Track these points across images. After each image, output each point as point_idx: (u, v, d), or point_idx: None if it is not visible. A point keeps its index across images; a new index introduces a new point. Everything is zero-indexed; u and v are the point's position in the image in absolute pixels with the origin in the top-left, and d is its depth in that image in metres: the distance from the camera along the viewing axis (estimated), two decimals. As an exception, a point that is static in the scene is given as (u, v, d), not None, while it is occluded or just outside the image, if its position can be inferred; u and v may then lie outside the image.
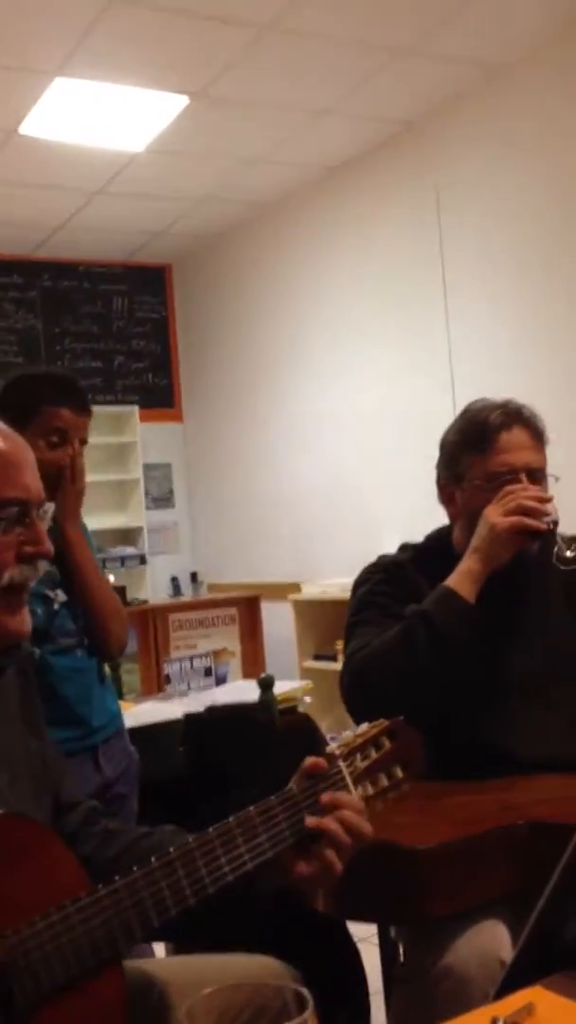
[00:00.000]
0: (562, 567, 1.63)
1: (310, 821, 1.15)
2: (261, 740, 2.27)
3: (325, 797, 1.17)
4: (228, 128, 4.66)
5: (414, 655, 1.60)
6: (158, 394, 6.78)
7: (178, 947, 1.98)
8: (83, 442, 2.09)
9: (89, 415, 2.11)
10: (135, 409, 6.50)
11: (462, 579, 1.66)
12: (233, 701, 2.48)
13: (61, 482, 2.04)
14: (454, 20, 3.80)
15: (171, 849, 1.10)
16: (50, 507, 1.19)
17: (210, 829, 1.13)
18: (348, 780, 1.20)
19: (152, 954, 2.04)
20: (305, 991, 0.66)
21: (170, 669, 4.02)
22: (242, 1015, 0.65)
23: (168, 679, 3.95)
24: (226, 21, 3.67)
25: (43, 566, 1.17)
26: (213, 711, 2.32)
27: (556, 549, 1.63)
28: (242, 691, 2.79)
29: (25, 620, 1.16)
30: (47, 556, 1.16)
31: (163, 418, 6.73)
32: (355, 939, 2.01)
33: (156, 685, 4.75)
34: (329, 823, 1.16)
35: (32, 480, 1.15)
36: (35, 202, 5.42)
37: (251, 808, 1.15)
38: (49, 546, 1.15)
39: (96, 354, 6.59)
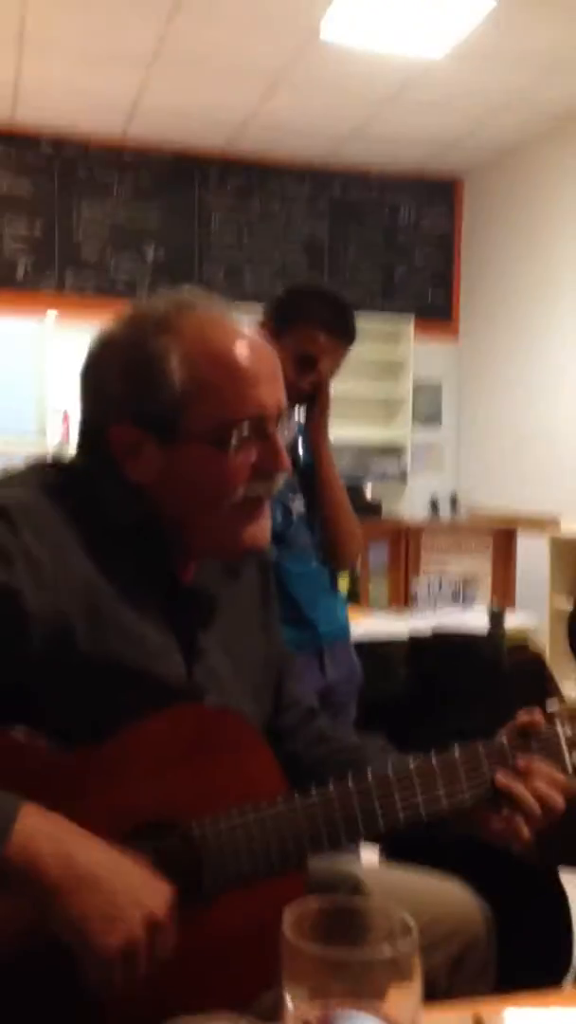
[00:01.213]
0: None
1: (500, 780, 1.13)
2: (485, 672, 2.22)
3: (521, 762, 1.13)
4: (533, 32, 4.36)
5: None
6: (436, 310, 6.65)
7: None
8: (335, 368, 2.07)
9: (348, 344, 2.07)
10: (411, 324, 6.41)
11: None
12: (463, 628, 2.44)
13: (315, 403, 2.06)
14: None
15: (370, 775, 1.11)
16: (291, 419, 1.17)
17: (411, 764, 1.13)
18: (563, 745, 1.14)
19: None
20: (410, 921, 0.64)
21: (418, 588, 4.04)
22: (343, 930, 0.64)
23: (415, 597, 3.97)
24: None
25: (281, 479, 1.16)
26: (439, 635, 2.30)
27: None
28: (476, 619, 2.74)
29: (263, 532, 1.16)
30: (284, 470, 1.14)
31: (438, 336, 6.60)
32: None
33: (403, 601, 4.78)
34: (519, 789, 1.12)
35: (269, 394, 1.12)
36: (330, 109, 5.39)
37: (456, 751, 1.14)
38: (286, 461, 1.13)
39: (377, 266, 6.54)
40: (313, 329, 2.02)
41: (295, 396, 2.05)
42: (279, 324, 2.01)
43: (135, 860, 0.96)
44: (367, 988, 0.62)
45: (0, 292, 5.79)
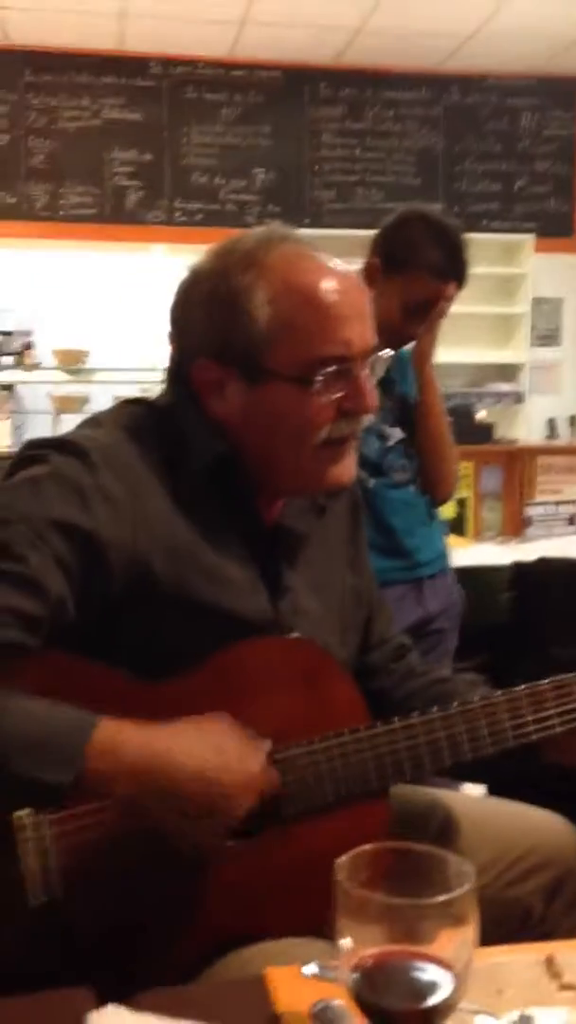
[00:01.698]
0: None
1: None
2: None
3: None
4: None
5: None
6: (558, 222, 6.34)
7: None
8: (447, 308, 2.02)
9: (461, 286, 2.02)
10: (530, 238, 6.15)
11: None
12: (571, 554, 2.39)
13: (424, 326, 2.01)
14: None
15: (455, 703, 1.12)
16: (381, 357, 1.15)
17: (498, 692, 1.14)
18: None
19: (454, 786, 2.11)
20: (470, 867, 0.64)
21: (532, 512, 3.96)
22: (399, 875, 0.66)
23: (529, 521, 3.90)
24: None
25: (367, 419, 1.15)
26: (544, 563, 2.25)
27: None
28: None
29: (347, 471, 1.15)
30: (369, 411, 1.12)
31: (560, 249, 6.30)
32: None
33: (516, 526, 4.70)
34: None
35: (356, 332, 1.09)
36: (446, 9, 5.12)
37: (546, 681, 1.13)
38: (372, 401, 1.11)
39: (496, 176, 6.26)
40: (426, 276, 1.96)
41: (401, 340, 1.99)
42: (389, 265, 1.96)
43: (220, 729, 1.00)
44: (422, 932, 0.63)
45: (110, 224, 5.83)
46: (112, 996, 0.80)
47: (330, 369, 1.08)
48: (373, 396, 1.12)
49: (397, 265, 1.96)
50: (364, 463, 1.96)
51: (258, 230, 1.16)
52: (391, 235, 2.02)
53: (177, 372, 1.17)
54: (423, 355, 2.05)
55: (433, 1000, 0.62)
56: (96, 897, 0.99)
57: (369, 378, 1.12)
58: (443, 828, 1.28)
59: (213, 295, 1.11)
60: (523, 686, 1.13)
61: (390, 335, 1.92)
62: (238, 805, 0.97)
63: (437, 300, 1.98)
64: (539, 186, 6.32)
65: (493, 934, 1.18)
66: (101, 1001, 0.79)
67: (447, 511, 2.45)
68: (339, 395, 1.10)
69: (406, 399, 2.07)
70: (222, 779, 0.96)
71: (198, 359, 1.12)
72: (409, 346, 2.07)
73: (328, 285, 1.09)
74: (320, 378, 1.08)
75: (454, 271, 1.98)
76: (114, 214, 5.84)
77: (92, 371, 5.37)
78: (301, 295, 1.08)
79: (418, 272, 1.96)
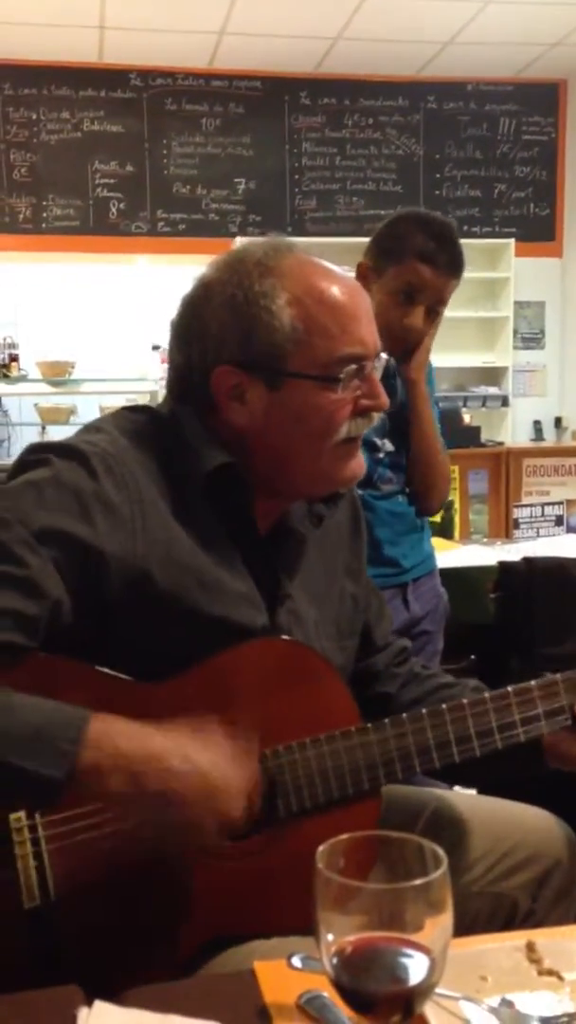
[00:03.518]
0: None
1: None
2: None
3: None
4: None
5: None
6: (538, 226, 6.39)
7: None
8: (441, 303, 1.98)
9: (454, 278, 1.97)
10: (511, 242, 6.19)
11: None
12: (557, 555, 2.40)
13: (412, 343, 2.00)
14: None
15: (443, 705, 1.14)
16: (381, 358, 1.17)
17: (486, 694, 1.15)
18: None
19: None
20: (441, 851, 0.65)
21: (519, 514, 3.97)
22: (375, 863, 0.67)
23: (517, 524, 3.91)
24: None
25: (376, 417, 1.17)
26: (530, 562, 2.27)
27: None
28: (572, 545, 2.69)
29: (359, 466, 1.19)
30: (383, 409, 1.16)
31: (541, 252, 6.36)
32: None
33: (503, 528, 4.71)
34: None
35: (368, 332, 1.13)
36: (423, 16, 5.17)
37: (533, 682, 1.15)
38: (385, 399, 1.15)
39: (476, 182, 6.31)
40: (414, 262, 1.94)
41: (395, 341, 1.93)
42: (380, 260, 1.95)
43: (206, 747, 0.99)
44: (400, 917, 0.64)
45: (94, 236, 5.84)
46: (100, 993, 0.81)
47: (350, 367, 1.11)
48: (385, 394, 1.15)
49: (386, 257, 1.95)
50: None
51: (260, 241, 1.19)
52: (379, 235, 2.02)
53: (186, 381, 1.17)
54: (416, 367, 2.04)
55: (410, 982, 0.63)
56: (90, 899, 0.99)
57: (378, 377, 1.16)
58: (432, 824, 1.29)
59: (232, 302, 1.12)
60: (510, 687, 1.14)
61: (385, 337, 1.91)
62: (230, 805, 0.98)
63: (427, 286, 1.95)
64: (519, 191, 6.37)
65: (482, 928, 1.20)
66: (89, 998, 0.80)
67: (434, 516, 2.45)
68: (357, 393, 1.13)
69: (399, 410, 2.06)
70: (214, 778, 0.97)
71: (218, 366, 1.13)
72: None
73: (341, 287, 1.13)
74: (342, 376, 1.11)
75: (446, 255, 1.94)
76: (97, 226, 5.86)
77: (78, 382, 5.37)
78: (320, 297, 1.11)
79: (406, 258, 1.93)
